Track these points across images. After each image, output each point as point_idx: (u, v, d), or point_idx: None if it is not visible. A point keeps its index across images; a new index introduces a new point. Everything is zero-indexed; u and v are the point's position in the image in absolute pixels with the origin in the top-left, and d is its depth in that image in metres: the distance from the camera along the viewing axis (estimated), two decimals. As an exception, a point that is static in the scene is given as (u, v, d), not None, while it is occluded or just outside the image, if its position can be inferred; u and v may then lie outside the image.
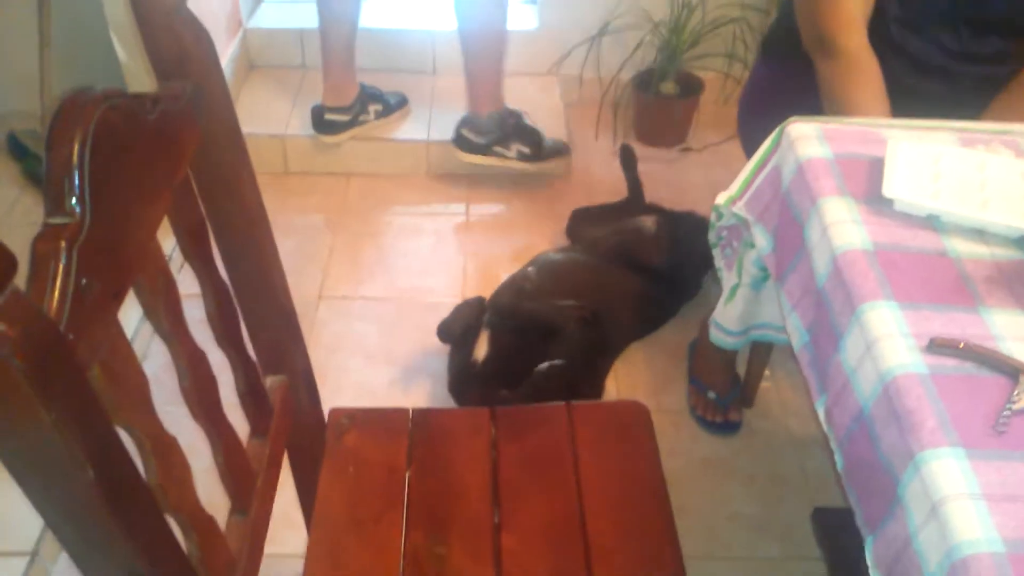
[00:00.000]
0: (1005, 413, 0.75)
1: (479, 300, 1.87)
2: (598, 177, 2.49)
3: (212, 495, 0.90)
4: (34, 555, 1.48)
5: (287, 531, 1.59)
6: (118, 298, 0.64)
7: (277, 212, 2.30)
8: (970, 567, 0.65)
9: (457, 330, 1.81)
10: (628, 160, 2.26)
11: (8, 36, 2.29)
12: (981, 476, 0.71)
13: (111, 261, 0.63)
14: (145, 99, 0.71)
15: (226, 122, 0.86)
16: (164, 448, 0.72)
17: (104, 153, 0.63)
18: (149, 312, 0.73)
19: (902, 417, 0.77)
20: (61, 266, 0.58)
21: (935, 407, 0.76)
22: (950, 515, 0.68)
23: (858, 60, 1.34)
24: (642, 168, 2.33)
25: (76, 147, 0.61)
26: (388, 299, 2.10)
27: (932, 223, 0.98)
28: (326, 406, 1.22)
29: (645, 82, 2.57)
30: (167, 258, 0.75)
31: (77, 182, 0.61)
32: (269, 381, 1.06)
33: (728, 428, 1.79)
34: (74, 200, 0.60)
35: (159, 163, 0.73)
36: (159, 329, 0.75)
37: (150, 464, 0.70)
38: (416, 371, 1.92)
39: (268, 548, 1.55)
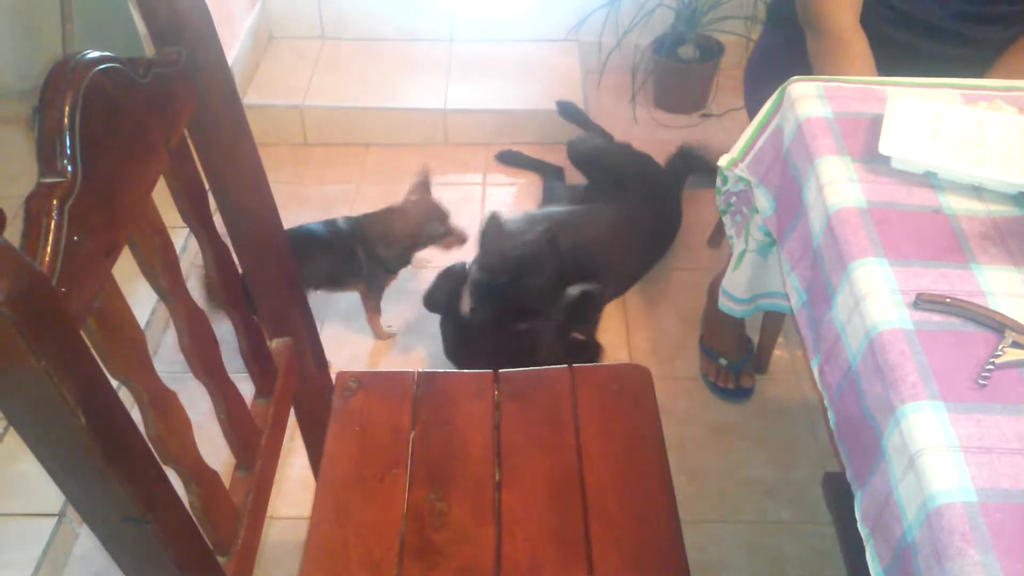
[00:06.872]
0: (988, 367, 0.75)
1: (461, 266, 1.91)
2: (615, 145, 2.48)
3: (226, 461, 0.93)
4: (61, 516, 1.54)
5: (306, 494, 1.63)
6: (111, 255, 0.67)
7: (296, 183, 2.35)
8: (944, 516, 0.66)
9: (441, 298, 1.86)
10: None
11: (31, 13, 2.34)
12: (959, 428, 0.71)
13: (104, 219, 0.66)
14: (138, 63, 0.73)
15: (223, 88, 0.88)
16: (163, 401, 0.75)
17: (95, 115, 0.65)
18: (145, 270, 0.76)
19: (885, 372, 0.77)
20: (53, 223, 0.60)
21: (918, 361, 0.76)
22: (927, 466, 0.69)
23: (846, 40, 1.32)
24: (662, 134, 2.31)
25: (67, 110, 0.63)
26: (405, 269, 2.12)
27: (929, 180, 0.98)
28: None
29: (664, 47, 2.55)
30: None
31: (68, 143, 0.63)
32: (274, 344, 1.09)
33: (740, 394, 1.80)
34: (65, 161, 0.63)
35: (153, 125, 0.75)
36: (156, 287, 0.78)
37: (148, 416, 0.73)
38: (433, 340, 1.94)
39: (286, 511, 1.61)
